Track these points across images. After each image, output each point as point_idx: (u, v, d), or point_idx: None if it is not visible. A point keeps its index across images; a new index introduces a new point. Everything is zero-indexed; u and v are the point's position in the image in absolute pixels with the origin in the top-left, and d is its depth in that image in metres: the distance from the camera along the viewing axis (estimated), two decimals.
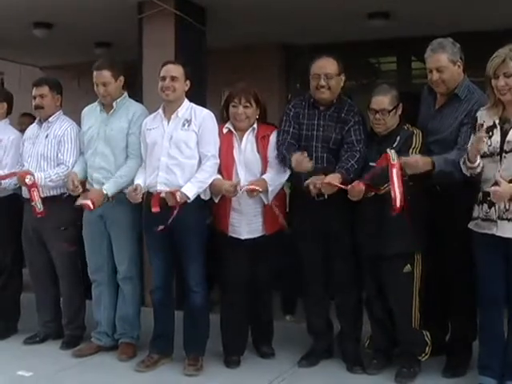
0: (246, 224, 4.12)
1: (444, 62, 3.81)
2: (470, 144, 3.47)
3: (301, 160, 3.84)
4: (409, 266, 3.88)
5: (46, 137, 4.57)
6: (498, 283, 3.54)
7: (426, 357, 4.00)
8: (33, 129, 4.72)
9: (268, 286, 4.38)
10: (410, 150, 3.81)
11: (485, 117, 3.54)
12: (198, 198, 4.04)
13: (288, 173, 4.11)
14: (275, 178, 4.07)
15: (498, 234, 3.44)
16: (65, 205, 4.48)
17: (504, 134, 3.44)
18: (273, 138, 4.15)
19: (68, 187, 4.35)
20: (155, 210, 3.98)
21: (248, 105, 4.11)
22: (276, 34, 7.11)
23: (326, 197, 3.89)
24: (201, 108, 4.22)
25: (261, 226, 4.14)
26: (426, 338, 3.99)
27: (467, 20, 6.23)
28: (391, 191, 3.62)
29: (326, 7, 5.97)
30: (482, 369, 3.68)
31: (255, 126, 4.16)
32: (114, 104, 4.38)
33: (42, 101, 4.58)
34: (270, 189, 4.03)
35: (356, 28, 6.62)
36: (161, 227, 3.94)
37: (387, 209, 3.71)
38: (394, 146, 3.80)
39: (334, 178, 3.79)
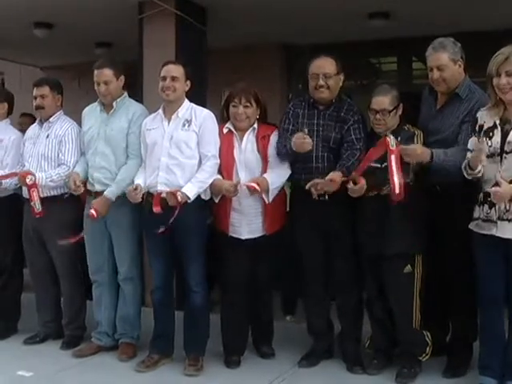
0: (247, 224, 4.12)
1: (445, 60, 3.81)
2: (471, 153, 3.45)
3: (301, 139, 3.84)
4: (409, 266, 3.88)
5: (47, 137, 4.57)
6: (498, 283, 3.54)
7: (427, 357, 4.00)
8: (34, 129, 4.72)
9: (268, 286, 4.38)
10: None
11: (485, 117, 3.54)
12: (198, 198, 4.04)
13: (288, 172, 4.11)
14: (276, 178, 4.07)
15: (498, 234, 3.44)
16: (65, 205, 4.50)
17: (504, 135, 3.43)
18: (273, 137, 4.14)
19: (70, 187, 4.35)
20: (157, 209, 3.98)
21: (248, 105, 4.10)
22: (276, 34, 7.11)
23: (326, 197, 3.89)
24: (201, 108, 4.22)
25: (261, 226, 4.14)
26: (427, 338, 3.99)
27: (467, 20, 6.23)
28: (389, 179, 3.62)
29: (327, 7, 5.97)
30: (482, 369, 3.68)
31: (255, 125, 4.16)
32: (114, 104, 4.38)
33: (43, 101, 4.58)
34: (270, 188, 4.03)
35: (356, 28, 6.62)
36: (162, 229, 3.94)
37: (388, 208, 3.70)
38: None
39: (336, 176, 3.80)
